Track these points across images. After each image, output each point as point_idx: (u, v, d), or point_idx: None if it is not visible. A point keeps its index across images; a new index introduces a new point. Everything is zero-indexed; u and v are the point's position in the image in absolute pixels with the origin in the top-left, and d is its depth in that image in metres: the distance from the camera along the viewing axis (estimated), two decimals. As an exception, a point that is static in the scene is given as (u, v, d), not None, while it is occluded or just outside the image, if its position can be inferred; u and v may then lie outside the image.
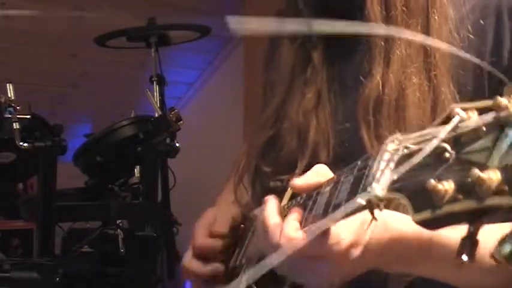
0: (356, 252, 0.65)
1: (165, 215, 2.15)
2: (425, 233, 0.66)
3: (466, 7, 0.83)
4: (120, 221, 2.43)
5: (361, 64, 0.85)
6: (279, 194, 0.89)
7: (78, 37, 2.91)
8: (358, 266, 0.67)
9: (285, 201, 0.86)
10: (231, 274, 0.99)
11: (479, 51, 0.80)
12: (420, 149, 0.47)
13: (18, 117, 1.86)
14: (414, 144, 0.49)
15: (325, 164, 0.85)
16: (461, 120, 0.44)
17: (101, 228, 2.48)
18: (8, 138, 1.91)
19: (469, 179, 0.40)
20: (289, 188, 0.87)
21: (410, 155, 0.48)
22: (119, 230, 2.42)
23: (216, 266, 1.00)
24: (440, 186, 0.41)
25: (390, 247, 0.67)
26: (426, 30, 0.82)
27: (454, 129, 0.44)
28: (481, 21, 0.81)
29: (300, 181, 0.72)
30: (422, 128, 0.77)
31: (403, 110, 0.79)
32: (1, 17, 2.76)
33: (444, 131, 0.43)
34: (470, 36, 0.81)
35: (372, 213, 0.52)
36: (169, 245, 2.16)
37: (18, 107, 1.85)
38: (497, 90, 0.79)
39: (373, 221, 0.62)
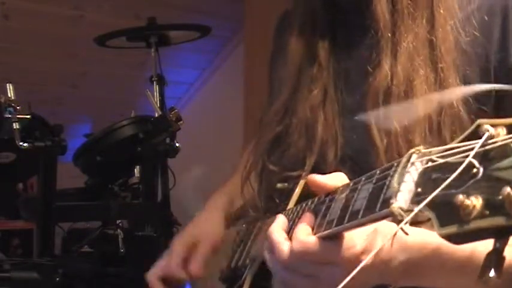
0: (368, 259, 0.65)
1: (165, 215, 2.15)
2: (432, 243, 0.67)
3: (472, 5, 0.83)
4: (120, 221, 2.43)
5: (369, 57, 0.86)
6: (286, 195, 0.90)
7: (78, 37, 2.91)
8: (368, 275, 0.66)
9: (291, 204, 0.86)
10: (234, 274, 0.99)
11: (485, 49, 0.81)
12: (446, 163, 0.47)
13: (18, 117, 1.86)
14: (440, 157, 0.49)
15: (333, 161, 0.85)
16: (490, 137, 0.44)
17: (101, 228, 2.48)
18: (8, 138, 1.91)
19: (499, 197, 0.40)
20: (296, 191, 0.88)
21: (435, 167, 0.48)
22: (118, 230, 2.41)
23: None
24: (468, 202, 0.42)
25: (399, 256, 0.67)
26: (431, 24, 0.83)
27: (482, 145, 0.44)
28: (487, 20, 0.81)
29: (319, 178, 0.72)
30: (430, 119, 0.78)
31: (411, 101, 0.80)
32: (1, 17, 2.76)
33: (477, 147, 0.44)
34: (476, 34, 0.81)
35: (398, 224, 0.52)
36: (169, 245, 2.15)
37: (18, 107, 1.85)
38: (502, 91, 0.80)
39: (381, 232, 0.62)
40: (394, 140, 0.79)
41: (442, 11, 0.83)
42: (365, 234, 0.65)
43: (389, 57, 0.83)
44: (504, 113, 0.79)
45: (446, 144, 0.79)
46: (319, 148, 0.88)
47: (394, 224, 0.61)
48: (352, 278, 0.65)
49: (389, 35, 0.84)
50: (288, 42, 0.97)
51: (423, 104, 0.80)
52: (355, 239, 0.64)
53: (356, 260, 0.64)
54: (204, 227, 1.09)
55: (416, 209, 0.47)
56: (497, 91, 0.80)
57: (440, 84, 0.80)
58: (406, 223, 0.48)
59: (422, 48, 0.82)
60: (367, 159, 0.80)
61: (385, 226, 0.65)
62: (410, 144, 0.78)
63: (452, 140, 0.77)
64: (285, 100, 0.95)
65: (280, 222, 0.73)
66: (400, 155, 0.77)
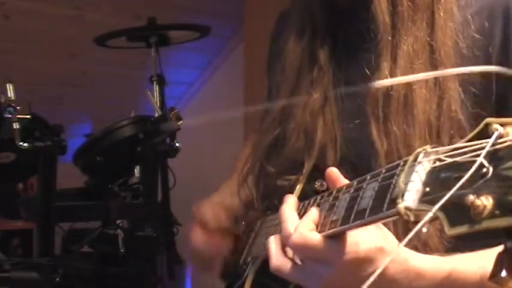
0: (369, 269, 0.64)
1: (165, 215, 2.15)
2: (443, 270, 0.67)
3: (473, 8, 0.83)
4: (120, 221, 2.43)
5: (369, 60, 0.86)
6: (285, 193, 0.90)
7: (78, 37, 2.91)
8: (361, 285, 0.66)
9: None
10: (236, 272, 0.99)
11: (486, 52, 0.81)
12: (454, 162, 0.47)
13: (18, 117, 1.85)
14: (447, 157, 0.49)
15: (332, 164, 0.85)
16: (500, 136, 0.44)
17: (101, 228, 2.48)
18: (8, 138, 1.91)
19: (510, 197, 0.40)
20: (295, 191, 0.88)
21: (444, 167, 0.48)
22: (119, 230, 2.42)
23: (226, 243, 1.03)
24: (478, 202, 0.42)
25: (410, 282, 0.66)
26: (431, 26, 0.83)
27: (492, 144, 0.44)
28: (488, 22, 0.81)
29: (337, 172, 0.72)
30: (429, 123, 0.78)
31: (411, 105, 0.80)
32: (1, 17, 2.76)
33: (488, 147, 0.44)
34: (477, 37, 0.81)
35: (406, 223, 0.51)
36: (169, 245, 2.16)
37: (18, 107, 1.85)
38: (504, 92, 0.80)
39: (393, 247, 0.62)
40: (394, 144, 0.79)
41: (442, 14, 0.82)
42: (372, 245, 0.64)
43: (389, 61, 0.83)
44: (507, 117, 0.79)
45: None
46: (318, 152, 0.88)
47: (402, 252, 0.61)
48: (345, 282, 0.65)
49: (389, 38, 0.83)
50: (286, 46, 0.97)
51: (423, 107, 0.79)
52: (360, 245, 0.64)
53: (356, 265, 0.64)
54: (218, 196, 1.10)
55: (433, 210, 0.47)
56: (497, 95, 0.80)
57: (440, 87, 0.80)
58: (423, 225, 0.48)
59: (422, 51, 0.82)
60: (367, 163, 0.81)
61: (393, 245, 0.65)
62: (410, 149, 0.78)
63: (450, 144, 0.77)
64: (283, 104, 0.95)
65: (291, 201, 0.73)
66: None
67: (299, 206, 0.80)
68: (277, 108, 0.96)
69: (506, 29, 0.80)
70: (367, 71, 0.85)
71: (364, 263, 0.64)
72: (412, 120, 0.79)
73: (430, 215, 0.47)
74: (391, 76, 0.82)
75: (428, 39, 0.82)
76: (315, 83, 0.91)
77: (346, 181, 0.71)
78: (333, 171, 0.73)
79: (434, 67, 0.81)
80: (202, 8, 3.09)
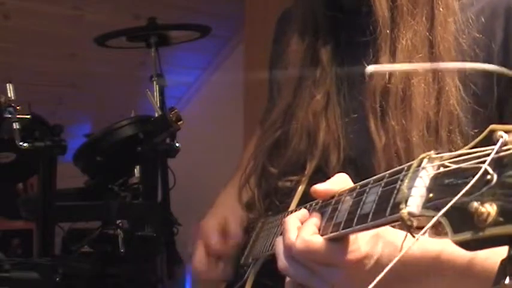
0: (369, 263, 0.65)
1: (165, 215, 2.15)
2: (432, 252, 0.67)
3: (475, 7, 0.83)
4: (120, 221, 2.43)
5: (368, 55, 0.86)
6: (287, 194, 0.90)
7: (78, 37, 2.91)
8: (366, 279, 0.66)
9: (293, 205, 0.86)
10: (237, 273, 0.99)
11: (488, 50, 0.81)
12: (458, 169, 0.47)
13: (18, 117, 1.85)
14: (452, 163, 0.48)
15: (336, 165, 0.85)
16: (504, 143, 0.43)
17: (101, 228, 2.48)
18: (8, 138, 1.91)
19: None
20: (297, 192, 0.88)
21: (448, 173, 0.48)
22: (119, 230, 2.41)
23: (227, 269, 1.01)
24: (482, 209, 0.42)
25: (400, 264, 0.66)
26: (431, 22, 0.83)
27: (496, 151, 0.44)
28: (490, 22, 0.81)
29: (321, 187, 0.71)
30: (427, 117, 0.78)
31: (409, 99, 0.80)
32: (1, 17, 2.76)
33: (492, 154, 0.43)
34: (479, 36, 0.81)
35: (408, 230, 0.51)
36: (169, 245, 2.16)
37: (18, 107, 1.85)
38: (506, 89, 0.80)
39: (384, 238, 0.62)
40: (392, 138, 0.79)
41: (441, 9, 0.83)
42: (368, 236, 0.65)
43: (388, 55, 0.83)
44: (508, 115, 0.79)
45: (442, 144, 0.79)
46: (320, 153, 0.88)
47: (396, 230, 0.61)
48: (351, 281, 0.65)
49: (388, 32, 0.83)
50: (288, 45, 0.96)
51: (421, 102, 0.79)
52: (360, 242, 0.64)
53: (359, 262, 0.64)
54: (226, 208, 1.07)
55: (436, 216, 0.47)
56: (498, 93, 0.80)
57: (438, 82, 0.80)
58: (425, 232, 0.48)
59: (421, 46, 0.82)
60: (369, 161, 0.80)
61: (387, 231, 0.66)
62: (408, 143, 0.78)
63: (449, 140, 0.78)
64: (286, 105, 0.95)
65: (300, 212, 0.73)
66: (398, 155, 0.78)
67: (299, 208, 0.79)
68: (280, 109, 0.96)
69: (508, 28, 0.80)
70: (365, 65, 0.85)
71: (366, 258, 0.65)
72: (410, 114, 0.79)
73: (434, 220, 0.47)
74: (390, 71, 0.82)
75: (428, 34, 0.82)
76: (318, 84, 0.91)
77: (335, 187, 0.70)
78: (316, 188, 0.71)
79: (433, 62, 0.81)
80: (202, 8, 3.09)
